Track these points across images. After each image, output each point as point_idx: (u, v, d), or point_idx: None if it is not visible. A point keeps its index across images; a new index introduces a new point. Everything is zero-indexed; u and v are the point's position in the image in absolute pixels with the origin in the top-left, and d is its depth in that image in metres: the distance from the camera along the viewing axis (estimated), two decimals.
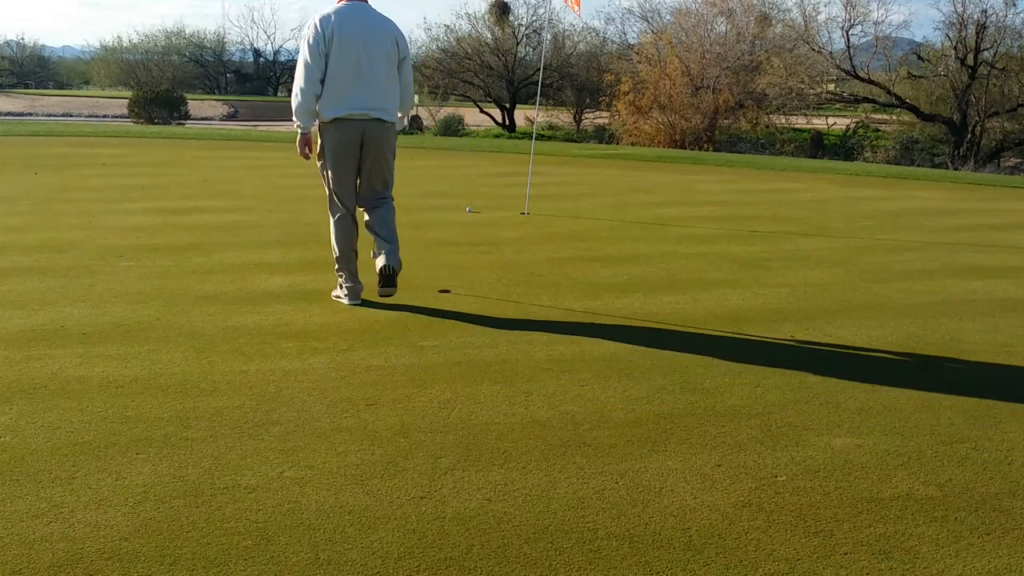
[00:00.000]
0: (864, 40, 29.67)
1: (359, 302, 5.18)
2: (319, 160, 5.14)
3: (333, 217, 5.18)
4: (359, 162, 5.08)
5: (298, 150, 5.10)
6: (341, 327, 4.69)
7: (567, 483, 3.03)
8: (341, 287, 5.25)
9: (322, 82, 4.91)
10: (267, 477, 3.00)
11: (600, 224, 8.12)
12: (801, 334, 4.84)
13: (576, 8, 8.51)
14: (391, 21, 5.10)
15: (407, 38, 5.29)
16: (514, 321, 4.91)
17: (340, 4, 5.02)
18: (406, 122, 5.63)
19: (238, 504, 2.81)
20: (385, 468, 3.09)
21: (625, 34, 40.43)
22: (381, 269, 4.98)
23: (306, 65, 4.90)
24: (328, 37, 4.87)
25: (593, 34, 41.20)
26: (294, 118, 5.03)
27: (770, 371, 4.23)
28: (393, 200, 5.25)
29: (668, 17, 33.88)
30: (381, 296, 5.10)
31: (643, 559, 2.59)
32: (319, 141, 5.10)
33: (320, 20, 4.91)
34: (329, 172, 5.07)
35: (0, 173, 10.10)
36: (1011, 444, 3.48)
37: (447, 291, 5.51)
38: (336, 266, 5.26)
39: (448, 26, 39.26)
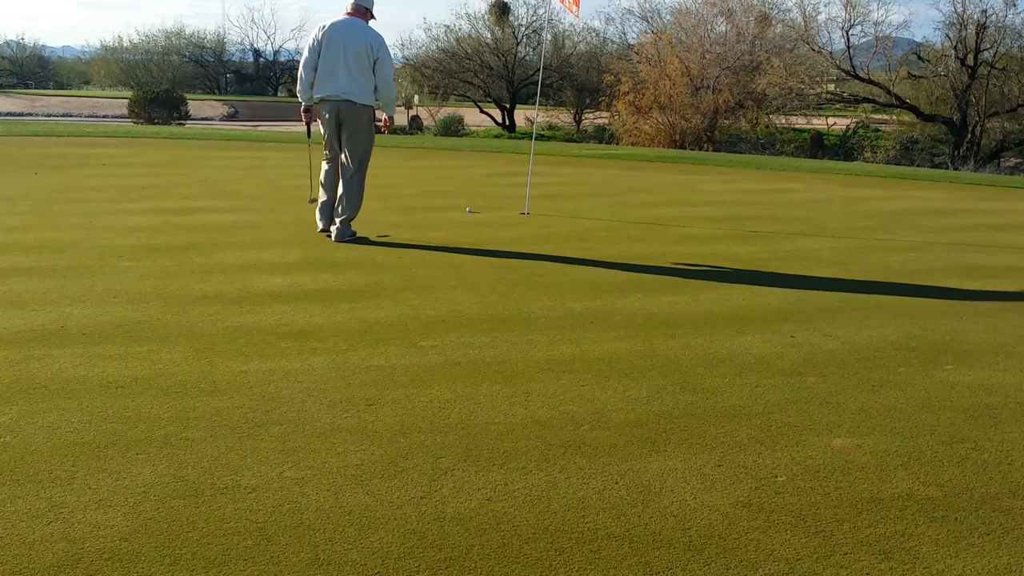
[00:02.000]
0: (864, 40, 29.68)
1: (325, 233, 7.07)
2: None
3: (324, 158, 7.09)
4: (340, 132, 6.90)
5: (303, 118, 7.09)
6: (341, 327, 4.69)
7: (567, 483, 3.03)
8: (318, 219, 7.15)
9: (316, 70, 6.77)
10: (267, 477, 3.00)
11: (600, 224, 8.12)
12: (801, 334, 4.84)
13: (574, 9, 8.50)
14: (373, 32, 6.83)
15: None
16: (514, 321, 4.91)
17: (338, 18, 6.84)
18: (392, 112, 7.21)
19: (238, 504, 2.81)
20: (385, 468, 3.09)
21: (625, 34, 40.44)
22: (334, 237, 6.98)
23: (304, 58, 6.84)
24: (320, 39, 6.74)
25: (593, 34, 41.21)
26: (299, 94, 6.98)
27: (770, 371, 4.23)
28: (360, 177, 6.99)
29: (668, 17, 33.90)
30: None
31: (643, 559, 2.59)
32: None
33: (320, 27, 6.85)
34: (322, 132, 7.06)
35: (0, 173, 10.10)
36: (1011, 444, 3.48)
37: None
38: (319, 202, 7.13)
39: (448, 26, 39.28)
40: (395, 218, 7.98)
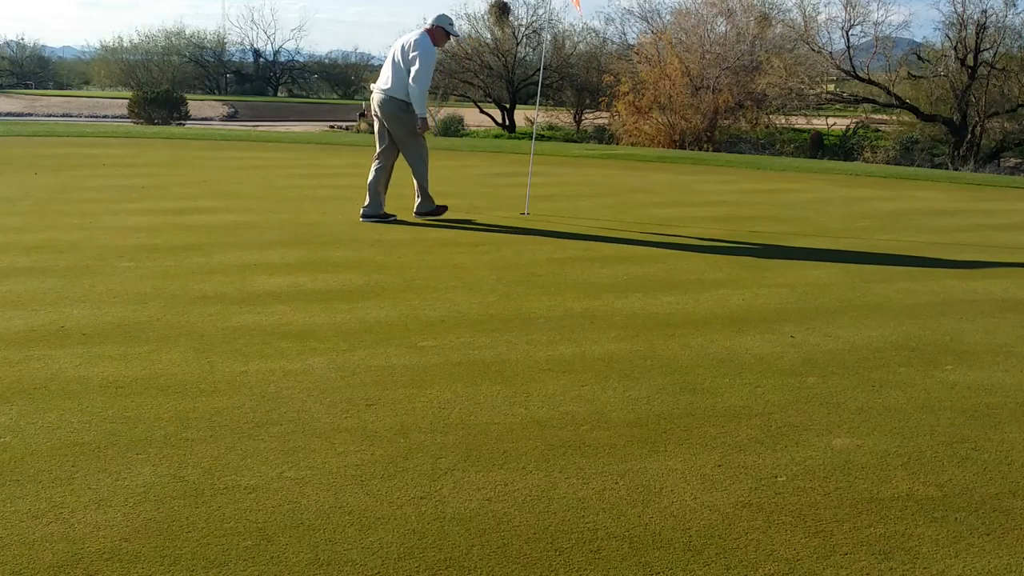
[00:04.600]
0: (864, 40, 29.74)
1: (366, 220, 7.72)
2: None
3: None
4: (385, 127, 7.75)
5: None
6: (341, 327, 4.69)
7: (567, 483, 3.03)
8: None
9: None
10: (267, 477, 3.00)
11: (600, 224, 8.11)
12: (801, 334, 4.84)
13: (578, 6, 8.51)
14: (422, 39, 7.56)
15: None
16: (514, 321, 4.91)
17: (416, 31, 7.73)
18: (420, 112, 7.63)
19: (238, 504, 2.81)
20: (385, 468, 3.09)
21: (625, 34, 40.48)
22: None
23: None
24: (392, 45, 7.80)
25: (593, 34, 41.29)
26: None
27: (770, 371, 4.23)
28: (416, 169, 7.91)
29: (668, 17, 33.95)
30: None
31: (643, 559, 2.59)
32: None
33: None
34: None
35: (0, 173, 10.10)
36: (1011, 444, 3.48)
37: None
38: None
39: None
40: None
